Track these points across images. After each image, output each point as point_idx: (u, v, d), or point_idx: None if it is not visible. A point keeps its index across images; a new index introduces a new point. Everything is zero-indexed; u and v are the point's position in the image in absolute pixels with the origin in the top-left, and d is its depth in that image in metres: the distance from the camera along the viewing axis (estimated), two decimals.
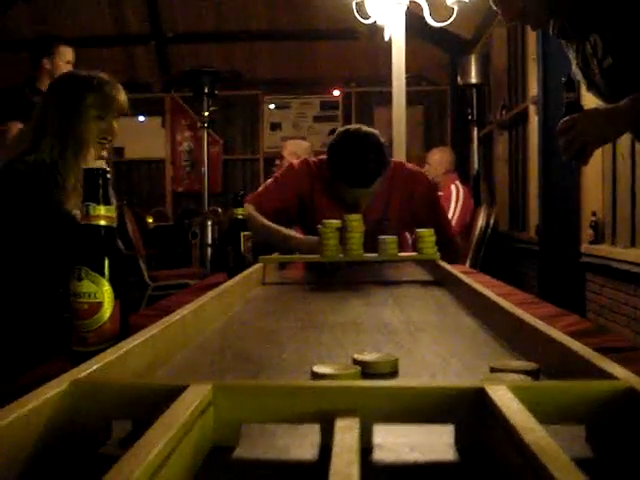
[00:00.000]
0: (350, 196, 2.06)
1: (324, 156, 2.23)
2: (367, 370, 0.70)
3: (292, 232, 2.08)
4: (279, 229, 2.04)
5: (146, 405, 0.50)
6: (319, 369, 0.65)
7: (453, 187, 4.34)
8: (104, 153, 1.68)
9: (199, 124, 5.07)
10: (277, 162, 4.09)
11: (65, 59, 3.45)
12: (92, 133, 1.63)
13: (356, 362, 0.71)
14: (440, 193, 4.47)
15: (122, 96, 1.68)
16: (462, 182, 4.52)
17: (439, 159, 4.48)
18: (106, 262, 0.78)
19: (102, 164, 1.62)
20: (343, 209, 1.98)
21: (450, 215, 4.22)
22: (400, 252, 1.67)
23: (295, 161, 2.37)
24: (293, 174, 2.23)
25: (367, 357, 0.72)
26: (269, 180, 2.31)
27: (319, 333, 0.96)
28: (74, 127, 1.61)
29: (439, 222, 2.11)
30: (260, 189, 2.29)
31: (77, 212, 1.56)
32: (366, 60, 6.48)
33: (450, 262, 1.61)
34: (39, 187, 1.55)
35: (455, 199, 4.29)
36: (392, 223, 2.10)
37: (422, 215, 2.14)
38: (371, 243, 1.69)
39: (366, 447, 0.48)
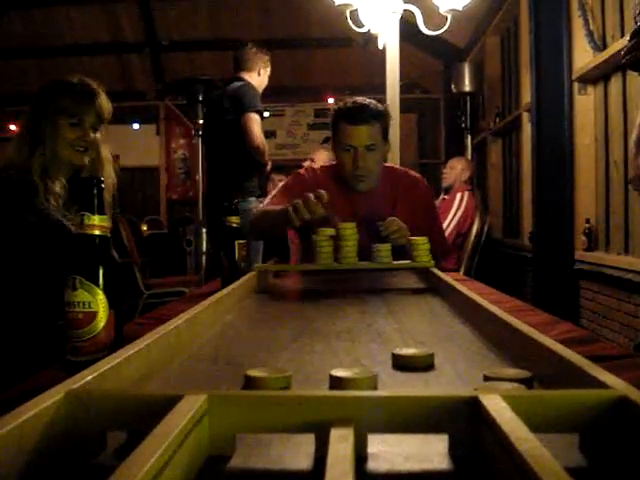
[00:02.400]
0: (351, 146, 2.06)
1: (330, 162, 2.32)
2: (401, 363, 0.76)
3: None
4: (274, 207, 2.05)
5: (141, 415, 0.50)
6: (337, 373, 0.65)
7: (458, 195, 4.42)
8: (85, 161, 1.64)
9: (193, 132, 5.07)
10: (307, 163, 4.08)
11: (268, 74, 3.74)
12: (64, 139, 1.59)
13: (395, 356, 0.77)
14: (445, 197, 4.55)
15: (103, 103, 1.63)
16: (472, 195, 4.61)
17: (463, 167, 4.67)
18: (101, 272, 0.78)
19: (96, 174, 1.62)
20: (350, 212, 2.02)
21: (448, 220, 4.27)
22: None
23: (302, 170, 2.38)
24: (301, 180, 2.25)
25: (403, 352, 0.77)
26: (274, 191, 2.33)
27: (313, 342, 0.96)
28: (44, 132, 1.58)
29: (434, 228, 2.20)
30: (266, 200, 2.30)
31: (58, 215, 1.55)
32: (360, 68, 6.50)
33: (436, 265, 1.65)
34: (18, 194, 1.53)
35: (457, 205, 4.37)
36: None
37: (420, 220, 2.15)
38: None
39: (361, 456, 0.49)
